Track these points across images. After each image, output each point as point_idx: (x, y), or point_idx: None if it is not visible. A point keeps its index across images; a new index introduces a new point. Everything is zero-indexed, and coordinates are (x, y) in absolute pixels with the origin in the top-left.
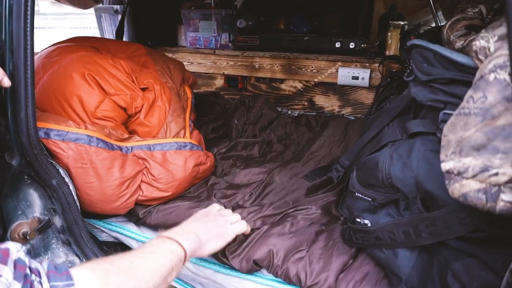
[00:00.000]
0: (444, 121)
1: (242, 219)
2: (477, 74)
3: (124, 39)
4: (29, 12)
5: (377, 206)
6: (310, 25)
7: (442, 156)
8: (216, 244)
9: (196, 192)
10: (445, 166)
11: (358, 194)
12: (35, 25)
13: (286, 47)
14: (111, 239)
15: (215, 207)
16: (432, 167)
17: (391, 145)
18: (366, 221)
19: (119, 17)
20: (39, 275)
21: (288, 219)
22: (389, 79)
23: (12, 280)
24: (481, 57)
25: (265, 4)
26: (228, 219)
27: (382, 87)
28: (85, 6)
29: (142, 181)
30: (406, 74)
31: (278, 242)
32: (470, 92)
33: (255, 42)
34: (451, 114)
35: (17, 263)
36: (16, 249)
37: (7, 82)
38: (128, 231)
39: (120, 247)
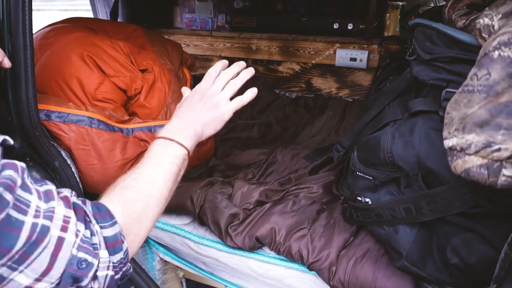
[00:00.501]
0: (447, 99)
1: (245, 192)
2: (481, 52)
3: (118, 21)
4: None
5: (378, 184)
6: (307, 5)
7: (445, 133)
8: (214, 129)
9: (197, 173)
10: (448, 143)
11: (359, 173)
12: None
13: (283, 29)
14: None
15: (210, 76)
16: (434, 145)
17: (393, 124)
18: (367, 200)
19: None
20: (88, 217)
21: (290, 198)
22: (388, 60)
23: (76, 221)
24: (484, 35)
25: None
26: (223, 97)
27: (381, 68)
28: None
29: None
30: (408, 53)
31: (280, 220)
32: (474, 70)
33: (252, 23)
34: (453, 92)
35: (75, 207)
36: (70, 194)
37: (7, 63)
38: None
39: None
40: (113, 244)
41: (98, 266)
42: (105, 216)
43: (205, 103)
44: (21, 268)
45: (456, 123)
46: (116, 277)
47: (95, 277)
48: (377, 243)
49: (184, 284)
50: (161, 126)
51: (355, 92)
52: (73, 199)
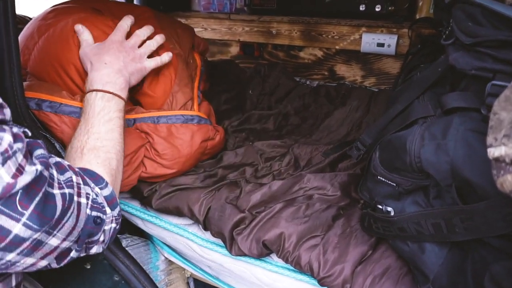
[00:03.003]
0: (493, 95)
1: (253, 191)
2: None
3: (135, 3)
4: None
5: (402, 192)
6: None
7: (489, 139)
8: (136, 81)
9: (202, 169)
10: (493, 151)
11: (381, 178)
12: None
13: (305, 11)
14: None
15: (123, 29)
16: (473, 151)
17: (422, 122)
18: (389, 209)
19: None
20: (87, 181)
21: (303, 199)
22: (419, 46)
23: (84, 185)
24: None
25: None
26: (143, 52)
27: (411, 54)
28: None
29: (145, 156)
30: (443, 37)
31: (290, 225)
32: None
33: (272, 5)
34: (503, 86)
35: (77, 173)
36: (67, 163)
37: None
38: (133, 209)
39: (125, 224)
40: (112, 201)
41: (105, 221)
42: (98, 179)
43: (128, 53)
44: (55, 232)
45: (506, 127)
46: (117, 227)
47: (103, 231)
48: (399, 260)
49: (191, 284)
50: (166, 116)
51: (382, 81)
52: (72, 166)
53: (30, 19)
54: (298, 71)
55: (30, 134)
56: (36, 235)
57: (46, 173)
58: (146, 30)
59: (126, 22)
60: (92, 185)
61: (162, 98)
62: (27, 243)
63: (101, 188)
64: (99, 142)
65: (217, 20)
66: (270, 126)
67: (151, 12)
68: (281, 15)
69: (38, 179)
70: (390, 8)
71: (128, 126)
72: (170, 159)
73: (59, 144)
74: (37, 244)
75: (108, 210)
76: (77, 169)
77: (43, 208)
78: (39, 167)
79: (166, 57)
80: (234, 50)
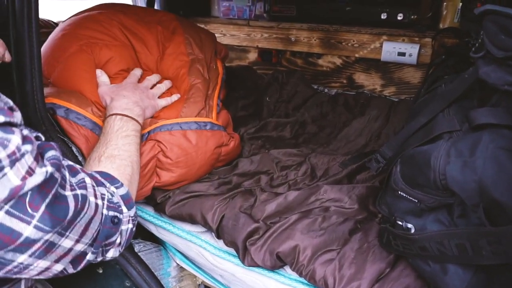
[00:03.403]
0: None
1: (268, 201)
2: None
3: (155, 8)
4: None
5: (424, 209)
6: None
7: None
8: (150, 114)
9: (217, 176)
10: None
11: (402, 193)
12: None
13: (325, 18)
14: None
15: (135, 76)
16: (504, 170)
17: (448, 137)
18: (409, 226)
19: None
20: (102, 181)
21: (319, 211)
22: (444, 56)
23: (98, 186)
24: None
25: None
26: (155, 92)
27: (434, 65)
28: None
29: (158, 166)
30: (473, 50)
31: (306, 238)
32: None
33: (292, 12)
34: None
35: (90, 175)
36: (79, 166)
37: (7, 57)
38: (147, 214)
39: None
40: (128, 201)
41: (122, 220)
42: (114, 179)
43: (142, 92)
44: (67, 233)
45: None
46: (134, 229)
47: (120, 232)
48: (419, 279)
49: None
50: (179, 123)
51: (402, 91)
52: (84, 169)
53: (55, 23)
54: (316, 79)
55: (43, 138)
56: (47, 236)
57: (57, 175)
58: (155, 77)
59: (138, 70)
60: (108, 184)
61: (176, 106)
62: (39, 244)
63: (116, 187)
64: (115, 151)
65: (236, 26)
66: (286, 134)
67: (173, 15)
68: (301, 22)
69: (49, 181)
70: (412, 17)
71: (142, 140)
72: (184, 166)
73: (76, 148)
74: (50, 246)
75: (124, 209)
76: (90, 172)
77: (54, 209)
78: (49, 168)
79: (175, 97)
80: (252, 56)
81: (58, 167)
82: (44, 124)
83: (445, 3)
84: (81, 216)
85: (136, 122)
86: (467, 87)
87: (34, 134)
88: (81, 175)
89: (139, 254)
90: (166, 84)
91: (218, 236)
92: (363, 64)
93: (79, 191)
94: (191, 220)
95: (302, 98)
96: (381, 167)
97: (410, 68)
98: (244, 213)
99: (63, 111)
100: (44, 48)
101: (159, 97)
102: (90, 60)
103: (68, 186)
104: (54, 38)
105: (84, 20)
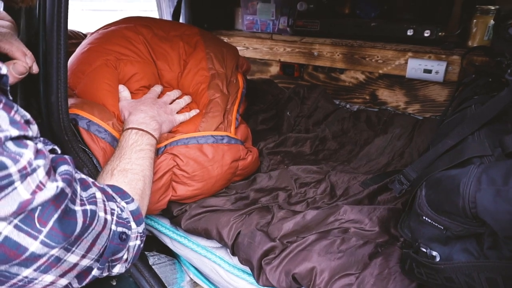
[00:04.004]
0: None
1: (285, 219)
2: None
3: (180, 21)
4: None
5: (450, 236)
6: (379, 9)
7: None
8: (167, 129)
9: (234, 190)
10: None
11: (426, 219)
12: (106, 8)
13: (349, 34)
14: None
15: (155, 92)
16: None
17: (478, 162)
18: (434, 253)
19: None
20: (113, 196)
21: (338, 233)
22: (473, 75)
23: (108, 201)
24: None
25: None
26: (174, 108)
27: (464, 84)
28: None
29: (174, 180)
30: (509, 71)
31: (323, 260)
32: None
33: (315, 27)
34: None
35: (102, 189)
36: (91, 180)
37: (35, 69)
38: (163, 227)
39: (153, 241)
40: (138, 217)
41: (131, 236)
42: (125, 194)
43: (161, 107)
44: (73, 248)
45: None
46: (141, 245)
47: (128, 248)
48: None
49: None
50: (196, 137)
51: (427, 109)
52: (96, 183)
53: (84, 35)
54: (338, 94)
55: (59, 151)
56: (53, 251)
57: (68, 190)
58: (175, 93)
59: (158, 87)
60: (118, 199)
61: (194, 121)
62: (44, 259)
63: (127, 203)
64: (128, 165)
65: (259, 40)
66: (306, 149)
67: (197, 29)
68: (324, 37)
69: (59, 196)
70: (440, 33)
71: (158, 154)
72: (200, 180)
73: (96, 159)
74: (55, 261)
75: (133, 225)
76: (102, 185)
77: (63, 224)
78: (60, 183)
79: (193, 112)
80: (274, 69)
81: (69, 182)
82: (67, 134)
83: (475, 20)
84: (89, 231)
85: (151, 136)
86: (500, 109)
87: (50, 147)
88: (92, 189)
89: (153, 267)
90: (186, 99)
91: (233, 253)
92: (387, 80)
93: (88, 207)
94: (207, 235)
95: (323, 114)
96: (404, 189)
97: (436, 86)
98: (260, 231)
99: (85, 123)
100: (71, 60)
101: (178, 112)
102: (114, 75)
103: (78, 201)
104: (81, 51)
105: (112, 35)
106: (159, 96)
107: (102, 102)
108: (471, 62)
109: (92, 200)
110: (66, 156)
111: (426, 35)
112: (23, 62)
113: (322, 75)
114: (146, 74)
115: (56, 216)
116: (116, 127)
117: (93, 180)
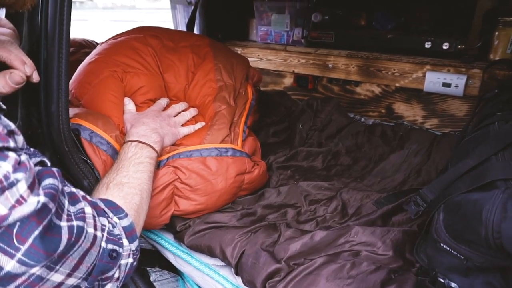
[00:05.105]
0: None
1: (292, 240)
2: None
3: (195, 32)
4: None
5: (471, 267)
6: (395, 21)
7: None
8: (170, 142)
9: (240, 205)
10: None
11: (444, 246)
12: (127, 18)
13: (365, 46)
14: (148, 247)
15: (161, 104)
16: None
17: (503, 186)
18: (453, 285)
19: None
20: (105, 211)
21: (348, 256)
22: (496, 90)
23: (99, 217)
24: None
25: None
26: (178, 121)
27: (485, 99)
28: None
29: (176, 194)
30: None
31: (332, 286)
32: None
33: (330, 38)
34: None
35: (93, 204)
36: (84, 193)
37: (35, 78)
38: (166, 242)
39: (156, 256)
40: (131, 233)
41: (122, 254)
42: (118, 209)
43: (164, 119)
44: (57, 267)
45: None
46: (134, 264)
47: (119, 266)
48: None
49: None
50: (199, 150)
51: (446, 123)
52: (88, 197)
53: (97, 44)
54: (353, 107)
55: (48, 164)
56: (33, 270)
57: (51, 205)
58: (180, 105)
59: (164, 100)
60: (111, 214)
61: (199, 133)
62: (23, 278)
63: (119, 218)
64: (125, 179)
65: (273, 51)
66: (318, 164)
67: (207, 39)
68: (339, 49)
69: (40, 211)
70: (459, 46)
71: (159, 166)
72: (203, 194)
73: (98, 172)
74: (37, 280)
75: (125, 242)
76: (93, 200)
77: (44, 241)
78: (42, 198)
79: (199, 125)
80: (288, 81)
81: (52, 196)
82: (67, 144)
83: (497, 33)
84: (75, 249)
85: (151, 149)
86: None
87: (39, 159)
88: (81, 204)
89: (154, 283)
90: (191, 112)
91: (237, 273)
92: (404, 93)
93: (75, 222)
94: (210, 252)
95: (336, 127)
96: (420, 211)
97: (455, 100)
98: (265, 251)
99: (88, 134)
100: (78, 70)
101: (183, 125)
102: (120, 87)
103: (65, 216)
104: (89, 61)
105: (120, 46)
106: (165, 109)
107: (107, 113)
108: (494, 76)
109: (80, 216)
110: (54, 169)
111: (444, 47)
112: (20, 72)
113: (337, 88)
114: (153, 87)
115: (37, 232)
116: (118, 140)
117: (84, 194)
